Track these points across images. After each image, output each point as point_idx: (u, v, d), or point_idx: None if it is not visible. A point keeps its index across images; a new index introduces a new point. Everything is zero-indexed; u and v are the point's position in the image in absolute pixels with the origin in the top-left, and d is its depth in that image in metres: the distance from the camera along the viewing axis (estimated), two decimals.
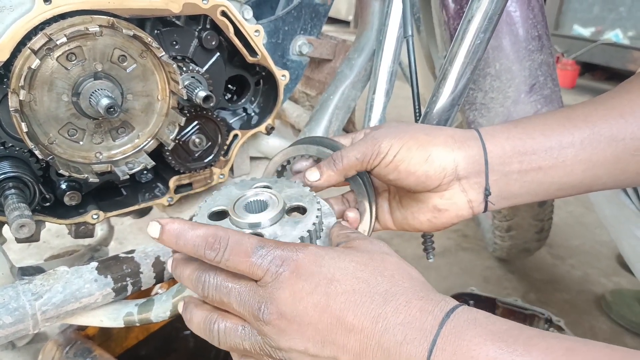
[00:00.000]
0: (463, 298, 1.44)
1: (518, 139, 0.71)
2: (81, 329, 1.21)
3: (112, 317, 0.81)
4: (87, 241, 1.32)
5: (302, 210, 0.69)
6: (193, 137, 0.96)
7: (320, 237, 0.67)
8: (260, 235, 0.64)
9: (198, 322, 0.58)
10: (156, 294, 1.23)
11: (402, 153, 0.69)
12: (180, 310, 0.61)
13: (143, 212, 1.16)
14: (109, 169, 0.85)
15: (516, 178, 0.72)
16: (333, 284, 0.53)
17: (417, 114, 0.93)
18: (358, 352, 0.51)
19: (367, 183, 0.78)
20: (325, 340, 0.52)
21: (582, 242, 2.30)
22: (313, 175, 0.74)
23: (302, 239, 0.63)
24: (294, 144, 0.81)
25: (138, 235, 2.24)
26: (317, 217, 0.66)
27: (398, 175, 0.71)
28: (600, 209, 1.12)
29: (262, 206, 0.69)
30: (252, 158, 1.19)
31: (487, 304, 1.43)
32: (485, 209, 0.75)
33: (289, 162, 0.81)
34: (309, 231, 0.64)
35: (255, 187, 0.72)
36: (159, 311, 0.82)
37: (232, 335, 0.56)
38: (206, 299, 0.58)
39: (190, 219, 1.05)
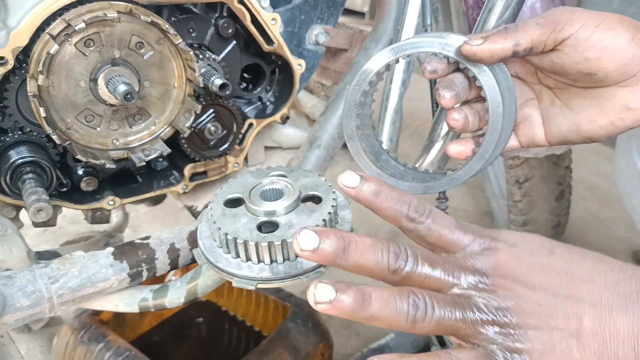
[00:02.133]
0: None
1: None
2: (96, 313, 1.22)
3: (127, 302, 0.82)
4: (102, 227, 1.33)
5: (317, 199, 0.68)
6: (209, 125, 0.96)
7: (335, 228, 0.67)
8: (275, 223, 0.64)
9: (386, 299, 0.48)
10: (170, 280, 1.25)
11: (601, 29, 0.58)
12: (312, 297, 0.48)
13: (157, 200, 1.17)
14: (126, 156, 0.85)
15: None
16: (546, 248, 0.51)
17: (435, 107, 0.92)
18: (594, 302, 0.48)
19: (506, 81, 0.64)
20: (557, 295, 0.49)
21: (598, 238, 2.27)
22: (476, 40, 0.61)
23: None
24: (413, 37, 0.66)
25: (152, 223, 2.25)
26: (332, 206, 0.66)
27: (589, 57, 0.59)
28: (628, 198, 1.09)
29: (277, 194, 0.69)
30: (267, 147, 1.18)
31: None
32: None
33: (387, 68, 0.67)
34: (324, 220, 0.64)
35: (271, 176, 0.72)
36: (174, 297, 0.82)
37: (441, 309, 0.48)
38: (391, 273, 0.49)
39: (206, 207, 1.06)
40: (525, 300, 0.48)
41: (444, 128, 0.92)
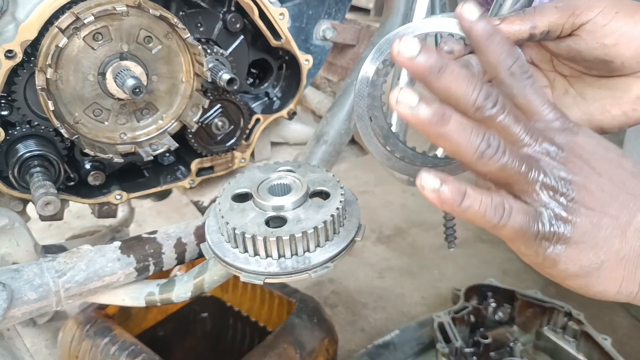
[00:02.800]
0: (482, 289, 1.43)
1: None
2: (101, 307, 1.22)
3: (134, 296, 0.82)
4: (107, 222, 1.34)
5: (325, 195, 0.68)
6: (216, 120, 0.96)
7: (343, 224, 0.67)
8: (283, 218, 0.64)
9: (464, 125, 0.47)
10: (175, 275, 1.25)
11: (620, 16, 0.57)
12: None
13: (163, 195, 1.17)
14: (133, 150, 0.85)
15: None
16: (619, 151, 0.53)
17: None
18: None
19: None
20: (620, 188, 0.50)
21: None
22: (493, 21, 0.59)
23: (325, 223, 0.63)
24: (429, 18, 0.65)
25: (157, 218, 2.26)
26: (340, 202, 0.65)
27: (607, 44, 0.58)
28: None
29: (285, 189, 0.69)
30: (273, 143, 1.18)
31: (506, 296, 1.42)
32: None
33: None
34: (332, 215, 0.63)
35: (278, 171, 0.71)
36: (180, 292, 0.82)
37: (511, 157, 0.48)
38: (478, 113, 0.48)
39: (213, 201, 1.06)
40: (590, 181, 0.49)
41: None
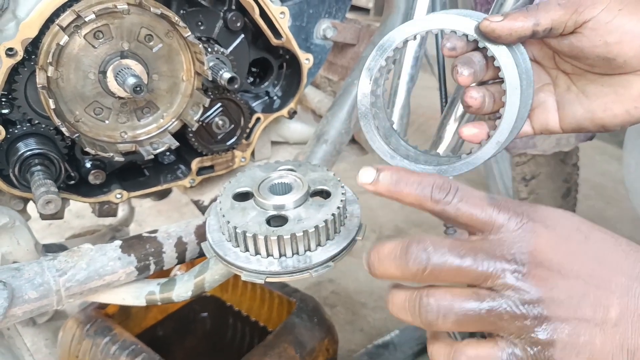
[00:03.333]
0: None
1: None
2: (101, 307, 1.22)
3: (135, 295, 0.82)
4: (107, 221, 1.33)
5: (326, 194, 0.68)
6: (216, 119, 0.96)
7: (344, 223, 0.66)
8: (284, 217, 0.64)
9: (403, 299, 0.50)
10: (175, 275, 1.25)
11: (624, 14, 0.57)
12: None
13: (163, 194, 1.17)
14: (134, 149, 0.85)
15: None
16: (582, 232, 0.51)
17: (444, 103, 0.91)
18: (622, 293, 0.48)
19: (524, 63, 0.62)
20: (588, 285, 0.49)
21: None
22: (495, 17, 0.59)
23: (326, 222, 0.62)
24: (429, 16, 0.64)
25: (157, 217, 2.26)
26: (341, 201, 0.65)
27: (609, 41, 0.58)
28: (636, 196, 1.09)
29: (286, 188, 0.69)
30: (273, 142, 1.18)
31: None
32: None
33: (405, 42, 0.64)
34: (333, 215, 0.63)
35: (279, 170, 0.71)
36: (181, 291, 0.82)
37: (459, 304, 0.48)
38: (419, 274, 0.49)
39: (213, 200, 1.05)
40: (557, 291, 0.48)
41: (459, 109, 0.90)
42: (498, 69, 0.62)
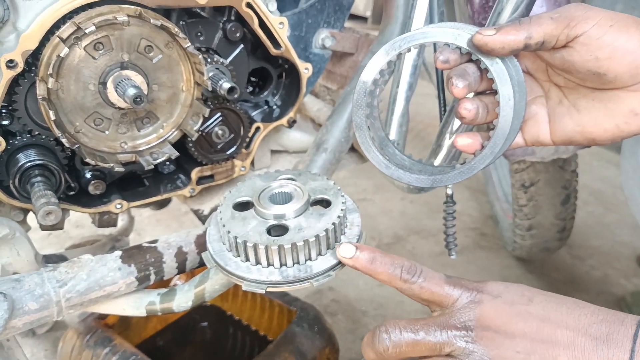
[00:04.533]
0: None
1: None
2: (101, 317, 1.22)
3: (135, 305, 0.82)
4: (107, 231, 1.33)
5: (326, 203, 0.68)
6: (216, 128, 0.96)
7: (345, 232, 0.67)
8: (285, 226, 0.64)
9: None
10: (175, 284, 1.24)
11: (615, 29, 0.57)
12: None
13: (162, 204, 1.17)
14: (134, 159, 0.85)
15: None
16: (526, 296, 0.57)
17: (443, 111, 0.92)
18: (568, 345, 0.53)
19: (517, 76, 0.63)
20: (534, 340, 0.54)
21: (602, 242, 2.27)
22: (488, 31, 0.60)
23: (327, 231, 0.63)
24: (424, 27, 0.65)
25: (156, 227, 2.25)
26: (341, 210, 0.66)
27: (600, 57, 0.58)
28: (634, 202, 1.09)
29: (286, 198, 0.69)
30: (273, 151, 1.18)
31: None
32: None
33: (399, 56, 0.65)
34: (333, 224, 0.64)
35: (279, 179, 0.72)
36: (181, 301, 0.82)
37: None
38: (385, 353, 0.58)
39: (213, 210, 1.06)
40: (504, 349, 0.54)
41: (455, 124, 0.91)
42: (492, 80, 0.63)
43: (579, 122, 0.65)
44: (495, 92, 0.64)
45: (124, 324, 1.29)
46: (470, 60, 0.65)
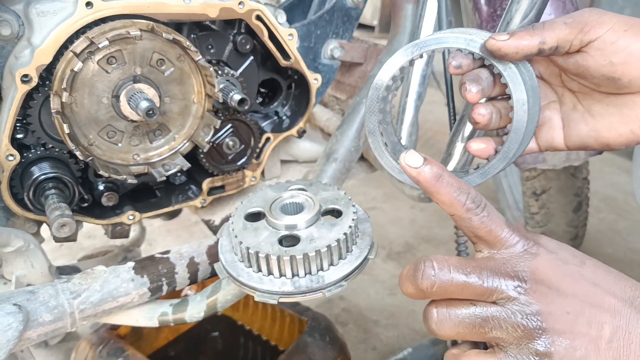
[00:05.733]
0: None
1: None
2: (114, 328, 1.22)
3: (147, 316, 0.82)
4: (119, 241, 1.34)
5: (337, 213, 0.69)
6: (227, 139, 0.97)
7: (356, 242, 0.67)
8: (297, 237, 0.65)
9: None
10: (185, 295, 1.25)
11: (629, 34, 0.57)
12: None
13: (173, 214, 1.18)
14: (146, 171, 0.86)
15: None
16: (578, 258, 0.56)
17: (453, 119, 0.92)
18: (614, 312, 0.52)
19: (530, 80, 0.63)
20: (584, 303, 0.52)
21: (615, 249, 2.25)
22: (501, 36, 0.60)
23: (338, 241, 0.63)
24: (433, 35, 0.65)
25: (167, 237, 2.26)
26: (353, 219, 0.66)
27: (614, 61, 0.58)
28: None
29: (298, 208, 0.70)
30: (283, 161, 1.19)
31: None
32: None
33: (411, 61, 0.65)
34: (345, 234, 0.64)
35: (290, 190, 0.72)
36: (193, 312, 0.82)
37: (454, 312, 0.54)
38: (429, 290, 0.54)
39: (224, 220, 1.06)
40: (555, 306, 0.52)
41: (466, 131, 0.91)
42: (505, 85, 0.63)
43: (593, 127, 0.65)
44: (508, 97, 0.64)
45: (136, 335, 1.30)
46: (483, 66, 0.65)
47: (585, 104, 0.66)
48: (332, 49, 1.07)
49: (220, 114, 0.94)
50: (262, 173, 1.10)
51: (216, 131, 0.92)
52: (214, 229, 1.09)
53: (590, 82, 0.63)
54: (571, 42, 0.59)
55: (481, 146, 0.67)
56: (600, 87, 0.63)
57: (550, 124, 0.68)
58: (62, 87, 0.74)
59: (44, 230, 0.91)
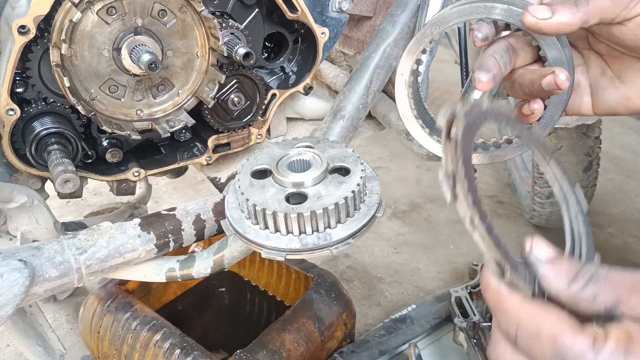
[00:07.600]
0: None
1: None
2: (122, 283, 1.24)
3: (155, 272, 0.82)
4: (125, 199, 1.34)
5: (345, 170, 0.67)
6: (232, 96, 0.95)
7: (364, 200, 0.66)
8: (304, 194, 0.64)
9: None
10: (192, 251, 1.25)
11: None
12: None
13: (179, 172, 1.17)
14: (150, 127, 0.84)
15: None
16: None
17: (465, 75, 0.89)
18: None
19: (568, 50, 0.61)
20: None
21: (622, 209, 2.23)
22: (542, 12, 0.57)
23: (346, 199, 0.62)
24: (459, 4, 0.62)
25: (173, 194, 2.27)
26: (361, 177, 0.64)
27: None
28: None
29: (305, 165, 0.68)
30: (289, 119, 1.17)
31: None
32: None
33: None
34: (353, 191, 0.63)
35: (297, 147, 0.70)
36: (200, 268, 0.82)
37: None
38: None
39: (230, 178, 1.05)
40: None
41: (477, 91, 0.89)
42: (535, 50, 0.61)
43: (624, 94, 0.63)
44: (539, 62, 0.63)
45: (144, 290, 1.31)
46: (507, 29, 0.62)
47: (615, 68, 0.63)
48: (340, 1, 1.03)
49: (225, 69, 0.92)
50: (268, 131, 1.08)
51: (221, 87, 0.89)
52: (220, 187, 1.08)
53: (623, 47, 0.60)
54: (613, 18, 0.57)
55: (534, 106, 0.64)
56: (633, 52, 0.60)
57: (577, 90, 0.66)
58: (61, 38, 0.71)
59: (49, 187, 0.91)
